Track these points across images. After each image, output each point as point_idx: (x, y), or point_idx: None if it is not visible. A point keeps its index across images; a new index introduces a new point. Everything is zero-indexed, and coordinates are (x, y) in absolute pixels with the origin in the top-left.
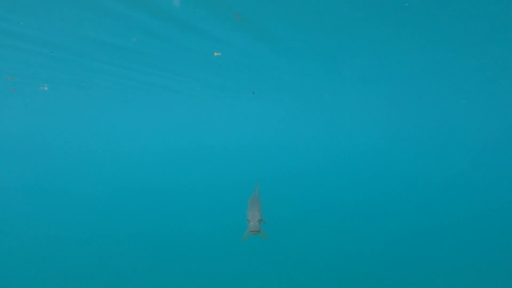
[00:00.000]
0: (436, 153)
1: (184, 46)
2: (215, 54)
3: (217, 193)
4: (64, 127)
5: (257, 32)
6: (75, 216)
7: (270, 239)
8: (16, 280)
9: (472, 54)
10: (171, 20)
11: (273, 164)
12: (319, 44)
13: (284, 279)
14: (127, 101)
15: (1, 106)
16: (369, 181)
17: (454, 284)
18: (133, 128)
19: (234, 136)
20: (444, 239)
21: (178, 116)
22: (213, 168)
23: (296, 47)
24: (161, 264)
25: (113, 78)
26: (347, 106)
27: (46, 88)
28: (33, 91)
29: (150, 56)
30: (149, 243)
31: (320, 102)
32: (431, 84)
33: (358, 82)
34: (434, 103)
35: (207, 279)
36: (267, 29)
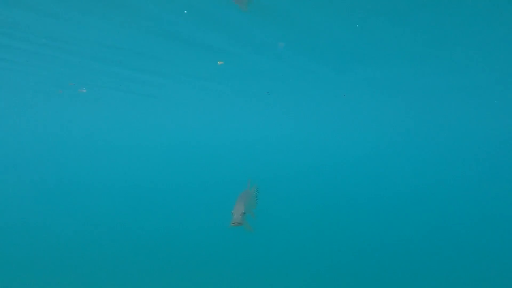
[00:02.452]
0: (439, 158)
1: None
2: (219, 63)
3: (217, 192)
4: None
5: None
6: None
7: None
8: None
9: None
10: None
11: (275, 164)
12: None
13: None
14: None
15: (46, 107)
16: (369, 183)
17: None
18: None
19: (236, 136)
20: (446, 243)
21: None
22: (214, 167)
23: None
24: (155, 260)
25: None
26: (351, 108)
27: (84, 91)
28: (73, 93)
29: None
30: (146, 241)
31: (328, 105)
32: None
33: (364, 87)
34: (439, 108)
35: (199, 275)
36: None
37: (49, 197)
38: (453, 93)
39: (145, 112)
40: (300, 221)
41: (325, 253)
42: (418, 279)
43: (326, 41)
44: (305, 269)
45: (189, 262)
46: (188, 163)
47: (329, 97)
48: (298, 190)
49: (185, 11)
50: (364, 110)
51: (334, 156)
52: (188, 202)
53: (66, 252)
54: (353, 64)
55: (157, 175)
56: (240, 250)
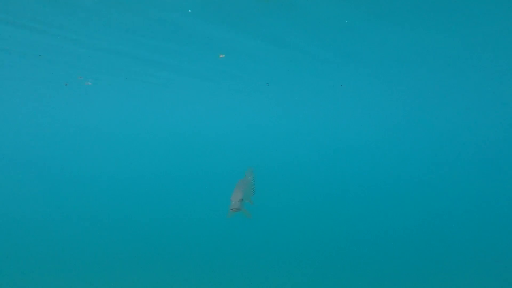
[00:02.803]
0: (441, 151)
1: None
2: (220, 56)
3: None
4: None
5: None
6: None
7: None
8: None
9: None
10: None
11: (275, 153)
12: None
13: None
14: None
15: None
16: (368, 174)
17: (454, 284)
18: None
19: (237, 126)
20: (444, 239)
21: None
22: (216, 157)
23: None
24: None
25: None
26: (352, 98)
27: (90, 84)
28: (79, 86)
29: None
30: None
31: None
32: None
33: (366, 75)
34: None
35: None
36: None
37: (56, 190)
38: (453, 89)
39: (148, 102)
40: (298, 209)
41: (322, 241)
42: (418, 272)
43: (333, 29)
44: (302, 256)
45: (191, 249)
46: (190, 154)
47: (329, 87)
48: (296, 178)
49: (189, 10)
50: (365, 101)
51: (333, 146)
52: (192, 190)
53: (80, 243)
54: (356, 53)
55: (160, 165)
56: (238, 237)
